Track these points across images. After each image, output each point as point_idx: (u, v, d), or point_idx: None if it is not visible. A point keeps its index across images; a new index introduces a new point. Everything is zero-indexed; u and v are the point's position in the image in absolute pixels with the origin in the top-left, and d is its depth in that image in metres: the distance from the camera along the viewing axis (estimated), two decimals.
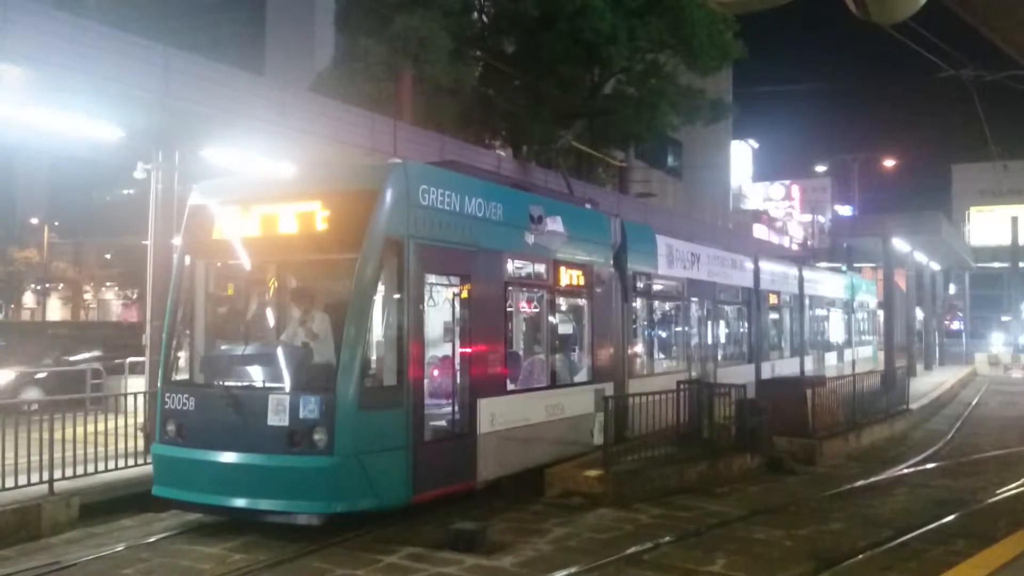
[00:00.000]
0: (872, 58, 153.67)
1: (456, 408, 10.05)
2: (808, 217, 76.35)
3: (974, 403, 27.67)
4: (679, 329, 16.58)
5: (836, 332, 27.28)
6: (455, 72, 25.92)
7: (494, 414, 10.39)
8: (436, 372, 10.55)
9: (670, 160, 63.15)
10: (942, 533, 9.86)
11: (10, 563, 8.14)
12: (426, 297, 9.72)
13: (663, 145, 55.21)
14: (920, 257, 37.97)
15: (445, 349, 10.60)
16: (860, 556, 8.74)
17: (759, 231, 65.80)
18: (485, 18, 31.24)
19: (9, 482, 9.12)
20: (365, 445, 8.69)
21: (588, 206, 14.13)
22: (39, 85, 10.94)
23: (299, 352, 9.40)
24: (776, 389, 15.87)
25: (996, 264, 52.77)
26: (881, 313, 35.68)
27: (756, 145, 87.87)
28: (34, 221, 64.85)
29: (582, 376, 12.75)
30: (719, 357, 17.84)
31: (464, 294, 10.17)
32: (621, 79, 31.90)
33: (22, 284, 64.95)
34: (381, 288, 9.20)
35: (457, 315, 10.17)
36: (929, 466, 15.31)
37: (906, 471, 14.72)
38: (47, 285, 64.91)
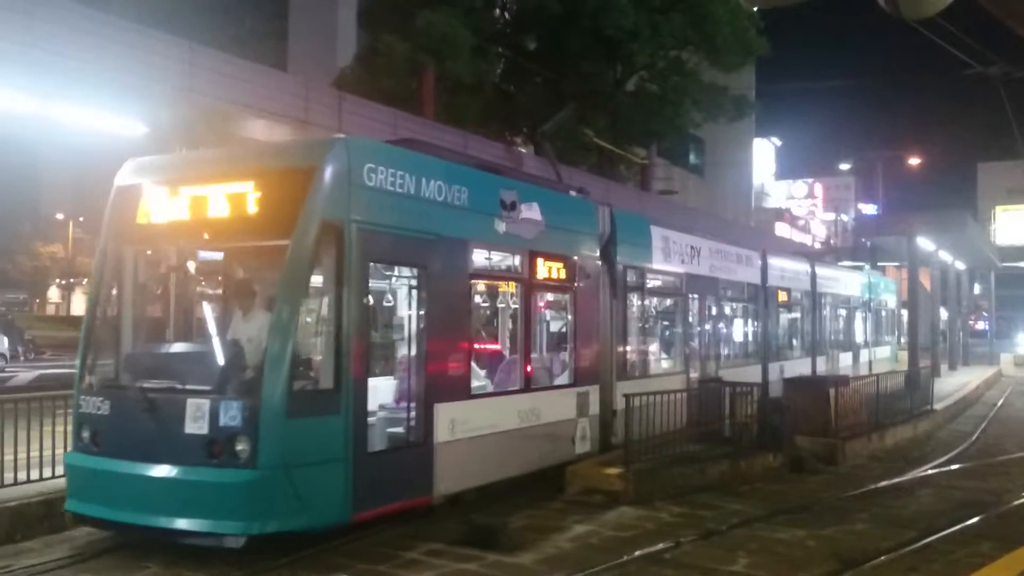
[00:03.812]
0: (898, 55, 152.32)
1: (407, 414, 9.13)
2: (831, 215, 75.79)
3: (999, 404, 27.36)
4: (677, 328, 15.66)
5: (852, 332, 26.68)
6: (477, 69, 25.95)
7: (454, 420, 9.41)
8: (384, 374, 9.80)
9: (692, 157, 62.88)
10: (967, 535, 9.75)
11: (34, 554, 8.21)
12: (372, 289, 8.98)
13: (685, 142, 54.95)
14: (945, 256, 37.59)
15: (396, 348, 9.90)
16: (883, 557, 8.65)
17: (781, 229, 65.44)
18: (507, 15, 31.23)
19: (34, 474, 9.18)
20: (294, 457, 7.73)
21: (573, 193, 13.11)
22: (65, 80, 11.03)
23: (224, 350, 8.32)
24: (799, 388, 15.73)
25: (1022, 264, 52.15)
26: (902, 312, 35.33)
27: (779, 142, 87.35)
28: (59, 216, 65.53)
29: (562, 378, 11.85)
30: (723, 358, 17.04)
31: (420, 286, 9.20)
32: (644, 76, 31.83)
33: (47, 279, 65.70)
34: (317, 278, 8.30)
35: (411, 310, 9.27)
36: (954, 467, 15.15)
37: (930, 472, 14.57)
38: (72, 280, 65.57)
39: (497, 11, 30.94)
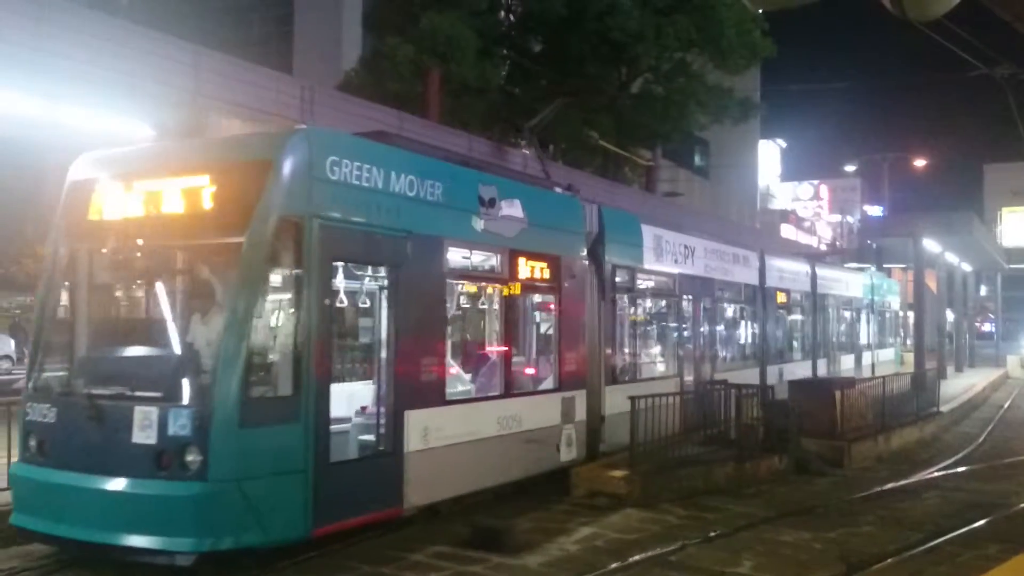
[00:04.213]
0: (903, 56, 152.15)
1: (376, 422, 8.74)
2: (837, 217, 75.59)
3: (1006, 406, 27.30)
4: (670, 330, 15.24)
5: (854, 334, 26.45)
6: (482, 71, 25.94)
7: (427, 428, 8.97)
8: (351, 379, 9.45)
9: (697, 159, 62.81)
10: (973, 537, 9.74)
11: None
12: (338, 289, 8.58)
13: (690, 144, 54.86)
14: (951, 258, 37.55)
15: (364, 352, 9.50)
16: (890, 560, 8.65)
17: (787, 231, 65.30)
18: (512, 17, 31.24)
19: None
20: (248, 468, 7.30)
21: (559, 190, 12.57)
22: (70, 82, 11.07)
23: (175, 355, 7.80)
24: (804, 390, 15.71)
25: None
26: (905, 314, 35.18)
27: (784, 144, 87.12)
28: None
29: (546, 383, 11.39)
30: (718, 360, 16.60)
31: (390, 286, 8.77)
32: (648, 78, 31.81)
33: None
34: (276, 278, 7.86)
35: (381, 311, 8.86)
36: (960, 469, 15.12)
37: (937, 474, 14.55)
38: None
39: (502, 13, 30.94)
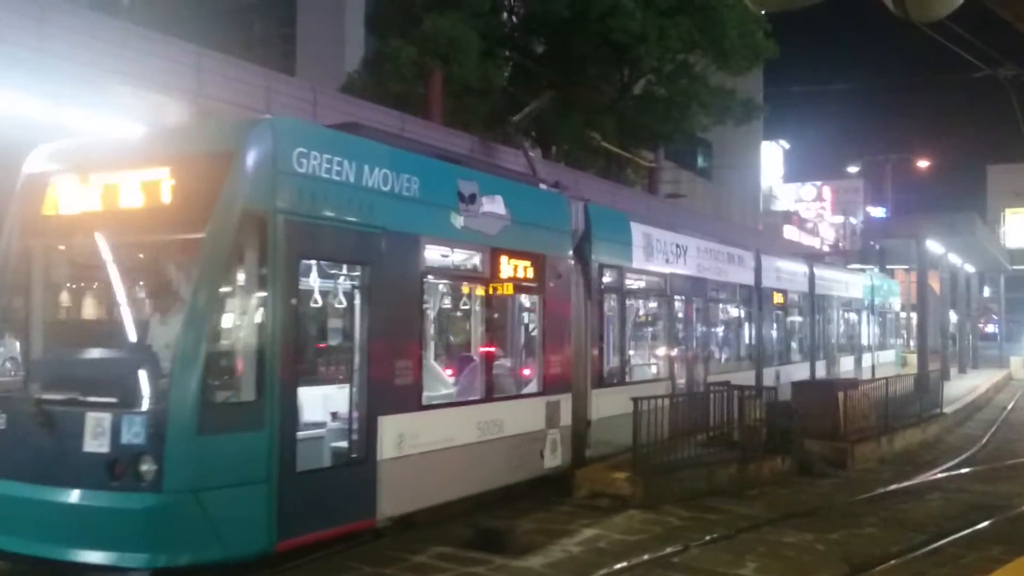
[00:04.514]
0: (906, 57, 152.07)
1: (348, 428, 8.31)
2: (840, 218, 75.65)
3: (1009, 407, 27.24)
4: (661, 332, 14.80)
5: (853, 335, 26.23)
6: (484, 73, 25.95)
7: (402, 435, 8.55)
8: (321, 383, 9.05)
9: (700, 161, 62.83)
10: (977, 539, 9.72)
11: None
12: (306, 289, 8.25)
13: (693, 146, 54.91)
14: (954, 259, 37.49)
15: (335, 355, 9.21)
16: (893, 561, 8.63)
17: (790, 232, 65.31)
18: (514, 18, 31.25)
19: None
20: (207, 479, 6.86)
21: (544, 187, 12.11)
22: (73, 84, 11.08)
23: (130, 357, 7.23)
24: (808, 392, 15.69)
25: None
26: (906, 316, 35.10)
27: (787, 146, 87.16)
28: None
29: (530, 386, 10.97)
30: (712, 363, 16.13)
31: (363, 286, 8.38)
32: (651, 79, 31.83)
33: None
34: (237, 276, 7.39)
35: (353, 312, 8.47)
36: (963, 471, 15.08)
37: (940, 475, 14.52)
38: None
39: (504, 15, 30.96)
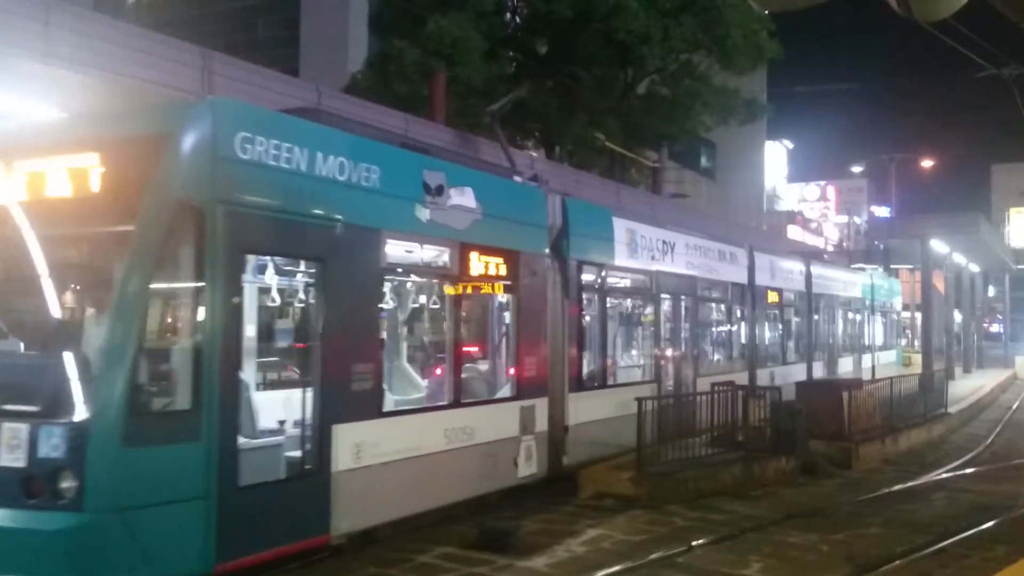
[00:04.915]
0: (910, 56, 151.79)
1: (298, 438, 7.77)
2: (844, 218, 75.46)
3: (1014, 407, 27.20)
4: (647, 332, 14.24)
5: (852, 336, 25.86)
6: (488, 73, 25.95)
7: (360, 444, 7.97)
8: (270, 389, 8.55)
9: (703, 161, 62.71)
10: (981, 539, 9.71)
11: None
12: (252, 286, 7.78)
13: (696, 146, 54.79)
14: (959, 259, 37.44)
15: (286, 358, 8.70)
16: (897, 561, 8.63)
17: (793, 232, 65.21)
18: (518, 19, 31.24)
19: None
20: (134, 496, 6.23)
21: (519, 179, 11.53)
22: (79, 87, 11.09)
23: (50, 362, 6.43)
24: (812, 392, 15.69)
25: None
26: (907, 315, 34.96)
27: (791, 145, 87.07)
28: None
29: (503, 391, 10.45)
30: (701, 364, 15.54)
31: (318, 283, 7.83)
32: (655, 79, 31.77)
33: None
34: (172, 272, 6.81)
35: (306, 312, 8.04)
36: (968, 471, 15.07)
37: (944, 476, 14.51)
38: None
39: (508, 15, 30.95)
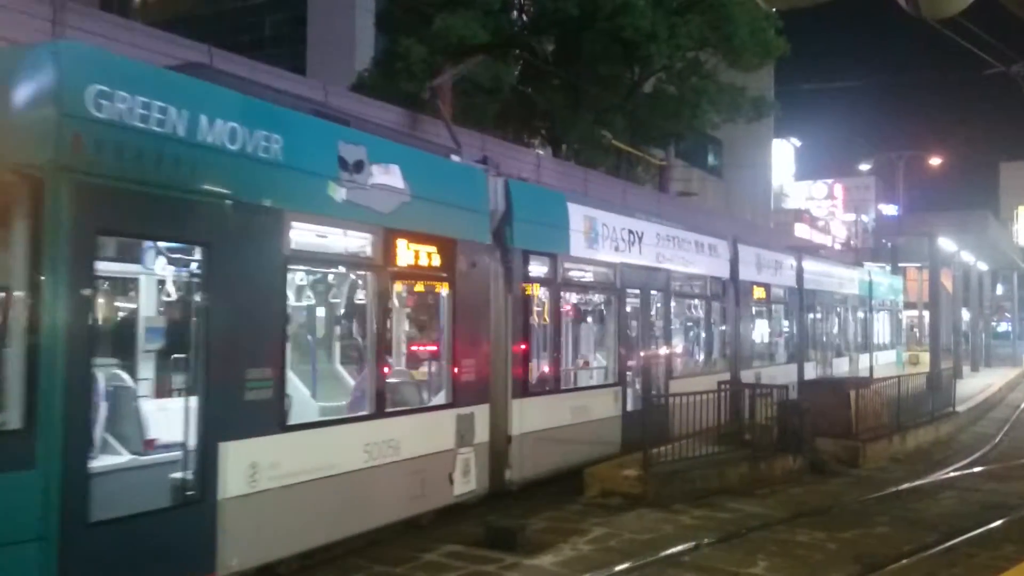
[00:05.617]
0: (918, 54, 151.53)
1: (175, 460, 6.54)
2: (851, 216, 75.34)
3: (1022, 406, 27.12)
4: (609, 331, 12.95)
5: (848, 335, 24.96)
6: (494, 71, 25.95)
7: (255, 464, 6.74)
8: (133, 402, 7.12)
9: (710, 159, 62.66)
10: (989, 538, 9.69)
11: None
12: (106, 275, 6.70)
13: (703, 144, 54.78)
14: (967, 257, 37.31)
15: (159, 364, 7.41)
16: (905, 560, 8.62)
17: (801, 230, 65.11)
18: (524, 17, 31.23)
19: None
20: None
21: (456, 158, 10.19)
22: None
23: None
24: (819, 390, 15.66)
25: None
26: (915, 314, 34.75)
27: (798, 143, 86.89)
28: None
29: (436, 397, 9.31)
30: (674, 366, 14.33)
31: (201, 273, 6.58)
32: (661, 77, 31.76)
33: None
34: (2, 257, 5.48)
35: (185, 307, 6.92)
36: (976, 470, 15.02)
37: (952, 474, 14.46)
38: None
39: (514, 13, 30.95)
